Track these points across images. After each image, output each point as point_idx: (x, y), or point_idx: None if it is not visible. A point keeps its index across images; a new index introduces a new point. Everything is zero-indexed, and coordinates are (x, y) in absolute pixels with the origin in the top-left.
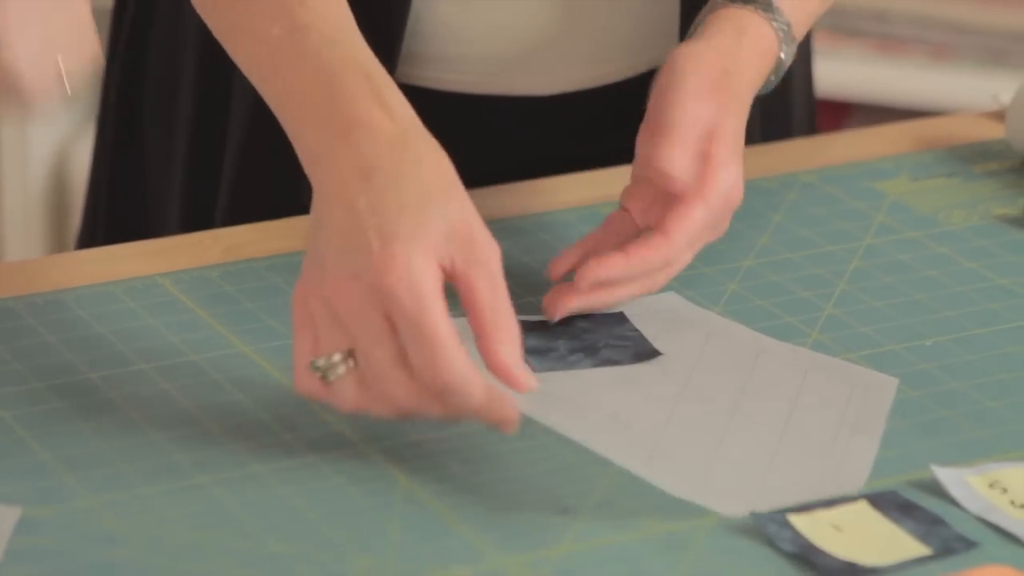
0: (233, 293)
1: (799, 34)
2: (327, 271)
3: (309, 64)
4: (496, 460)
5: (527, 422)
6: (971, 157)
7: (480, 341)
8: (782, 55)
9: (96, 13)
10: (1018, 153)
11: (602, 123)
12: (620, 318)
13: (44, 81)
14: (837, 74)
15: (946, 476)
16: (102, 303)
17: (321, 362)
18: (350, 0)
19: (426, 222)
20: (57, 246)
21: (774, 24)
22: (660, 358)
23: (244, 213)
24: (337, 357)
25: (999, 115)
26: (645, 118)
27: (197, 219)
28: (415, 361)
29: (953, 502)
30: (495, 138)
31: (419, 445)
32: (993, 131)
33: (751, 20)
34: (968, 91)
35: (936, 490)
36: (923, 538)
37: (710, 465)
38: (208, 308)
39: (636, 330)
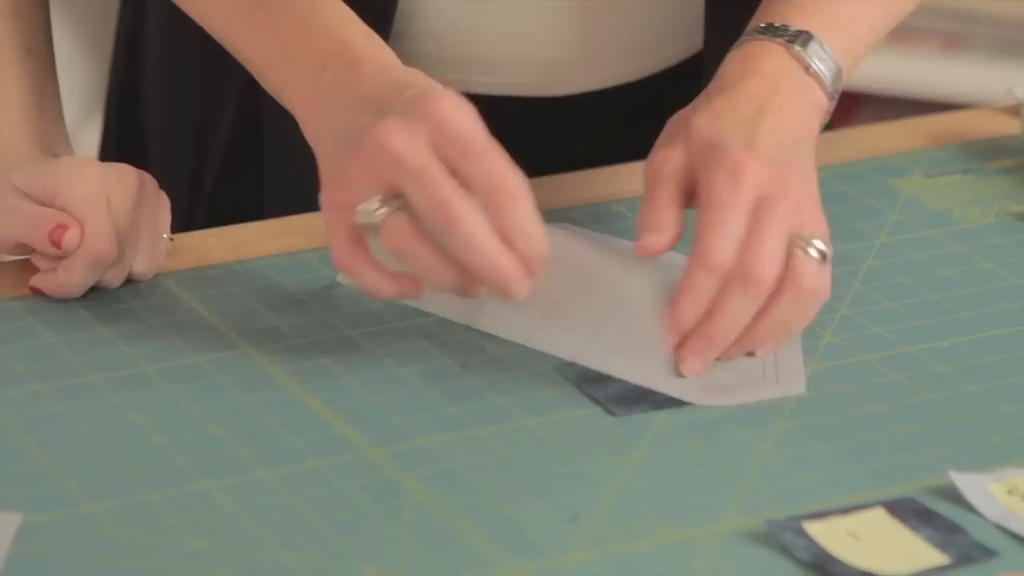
0: (238, 292)
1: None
2: (372, 124)
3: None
4: (505, 465)
5: (537, 427)
6: (986, 153)
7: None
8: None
9: None
10: None
11: (614, 122)
12: None
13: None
14: None
15: (964, 482)
16: (105, 303)
17: (364, 207)
18: None
19: None
20: None
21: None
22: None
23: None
24: (376, 203)
25: (1014, 109)
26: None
27: (201, 211)
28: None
29: (971, 509)
30: (505, 137)
31: (427, 450)
32: (1008, 126)
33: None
34: (980, 82)
35: (954, 497)
36: (941, 546)
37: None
38: (212, 308)
39: None
